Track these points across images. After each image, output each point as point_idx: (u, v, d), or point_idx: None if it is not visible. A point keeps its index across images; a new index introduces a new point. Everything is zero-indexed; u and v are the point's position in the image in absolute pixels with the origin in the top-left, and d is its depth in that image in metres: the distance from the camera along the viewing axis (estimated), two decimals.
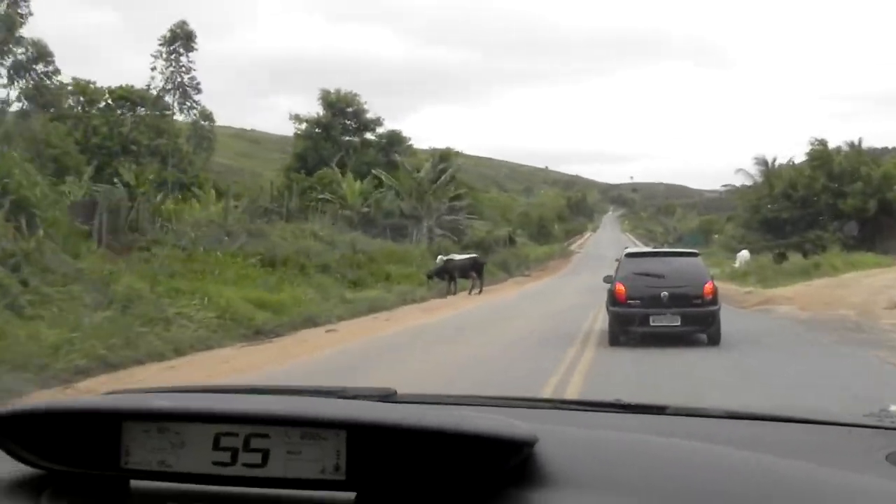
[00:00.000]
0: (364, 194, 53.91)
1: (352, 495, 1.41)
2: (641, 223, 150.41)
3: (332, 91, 61.65)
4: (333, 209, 54.26)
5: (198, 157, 60.12)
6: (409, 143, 62.83)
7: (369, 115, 62.44)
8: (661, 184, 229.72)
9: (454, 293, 35.17)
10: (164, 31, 55.82)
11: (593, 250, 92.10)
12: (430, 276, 35.28)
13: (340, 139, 61.40)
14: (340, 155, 60.03)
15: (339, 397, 1.84)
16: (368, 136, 63.18)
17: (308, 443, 1.40)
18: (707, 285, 16.20)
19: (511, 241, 63.67)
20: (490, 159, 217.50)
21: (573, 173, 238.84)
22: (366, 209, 53.26)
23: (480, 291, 36.25)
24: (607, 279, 17.42)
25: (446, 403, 2.03)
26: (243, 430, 1.41)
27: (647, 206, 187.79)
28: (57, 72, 50.24)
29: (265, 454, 1.41)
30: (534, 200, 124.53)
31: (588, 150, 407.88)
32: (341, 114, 61.65)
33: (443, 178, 54.28)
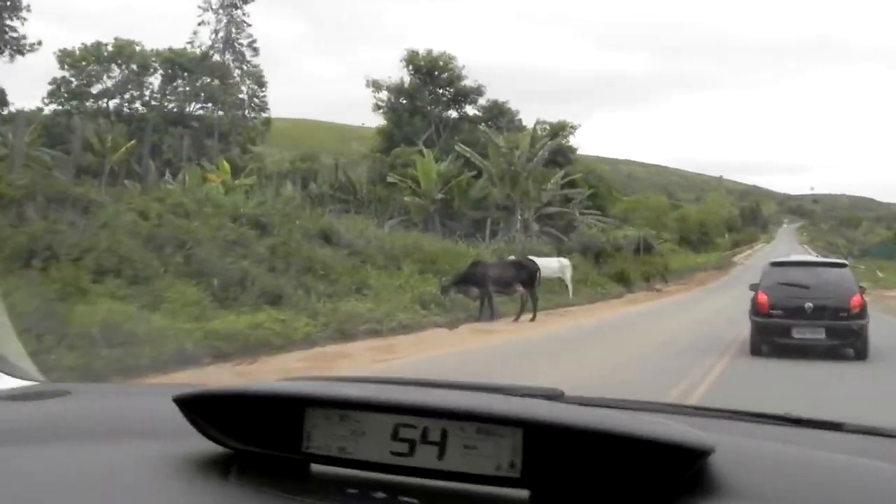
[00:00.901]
0: (444, 178, 39.53)
1: (525, 493, 1.36)
2: (822, 235, 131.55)
3: (419, 52, 47.38)
4: (404, 197, 40.38)
5: (254, 130, 47.25)
6: (517, 116, 47.74)
7: (467, 83, 47.88)
8: (845, 195, 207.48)
9: (492, 318, 20.36)
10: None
11: (761, 262, 74.52)
12: (444, 291, 20.48)
13: (431, 112, 47.20)
14: (429, 132, 45.92)
15: (509, 395, 1.68)
16: (470, 109, 48.80)
17: (484, 438, 1.35)
18: (855, 298, 14.86)
19: (647, 246, 47.74)
20: (662, 167, 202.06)
21: (750, 183, 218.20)
22: (440, 196, 38.81)
23: (534, 317, 21.07)
24: (753, 287, 15.73)
25: (616, 407, 1.84)
26: (422, 422, 1.38)
27: (829, 218, 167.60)
28: (19, 6, 37.83)
29: (442, 447, 1.37)
30: (701, 207, 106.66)
31: (766, 159, 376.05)
32: (431, 80, 47.37)
33: (540, 154, 38.99)
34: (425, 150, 40.87)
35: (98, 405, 1.95)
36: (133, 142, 35.48)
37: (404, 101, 47.04)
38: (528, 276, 21.20)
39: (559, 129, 44.71)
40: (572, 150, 45.98)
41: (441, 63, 47.19)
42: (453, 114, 47.86)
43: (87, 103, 46.70)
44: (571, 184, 43.05)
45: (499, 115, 47.05)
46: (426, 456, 1.36)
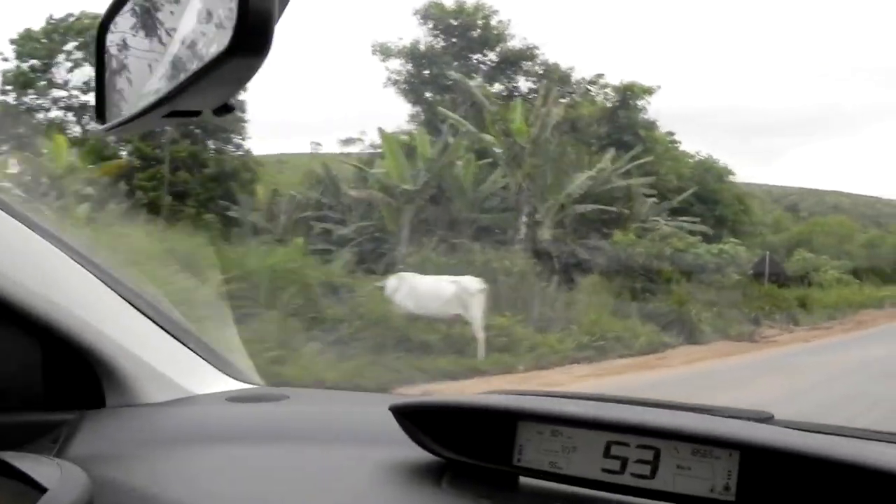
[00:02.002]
0: (430, 164, 24.81)
1: None
2: None
3: (445, 3, 32.50)
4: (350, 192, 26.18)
5: None
6: (584, 86, 31.72)
7: (513, 45, 32.65)
8: None
9: None
10: None
11: None
12: None
13: (460, 85, 32.33)
14: (460, 111, 31.05)
15: (718, 416, 1.52)
16: (524, 83, 33.50)
17: (699, 460, 1.29)
18: None
19: (776, 272, 30.89)
20: (874, 198, 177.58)
21: None
22: (408, 188, 24.04)
23: None
24: None
25: (832, 434, 1.57)
26: (634, 440, 1.33)
27: None
28: None
29: (654, 467, 1.31)
30: None
31: None
32: (464, 42, 32.50)
33: (554, 116, 23.28)
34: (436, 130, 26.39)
35: (315, 409, 1.98)
36: None
37: (427, 73, 32.36)
38: None
39: (626, 92, 28.71)
40: (649, 125, 29.63)
41: (476, 20, 32.29)
42: (500, 87, 32.67)
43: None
44: (649, 174, 27.17)
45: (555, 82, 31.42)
46: (637, 475, 1.31)
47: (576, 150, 25.49)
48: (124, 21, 0.97)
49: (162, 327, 1.85)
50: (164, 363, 1.84)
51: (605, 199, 25.35)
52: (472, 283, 13.82)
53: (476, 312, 13.27)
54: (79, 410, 1.73)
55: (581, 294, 18.38)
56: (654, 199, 29.82)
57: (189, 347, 1.90)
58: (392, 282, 13.71)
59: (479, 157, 25.56)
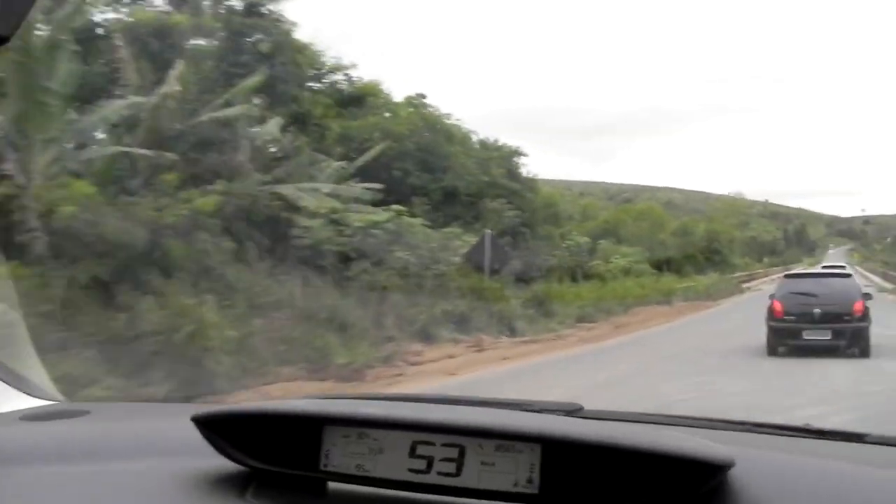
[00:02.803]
0: None
1: None
2: (874, 255, 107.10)
3: None
4: None
5: None
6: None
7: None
8: None
9: None
10: None
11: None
12: None
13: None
14: None
15: (527, 410, 1.62)
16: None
17: (502, 455, 1.28)
18: (857, 304, 15.88)
19: (500, 259, 21.43)
20: (704, 193, 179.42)
21: (796, 206, 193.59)
22: None
23: None
24: (771, 297, 16.69)
25: (636, 421, 1.71)
26: (439, 439, 1.31)
27: (882, 238, 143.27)
28: None
29: (459, 464, 1.30)
30: (711, 219, 78.24)
31: (814, 183, 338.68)
32: None
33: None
34: None
35: (117, 424, 1.84)
36: None
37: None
38: None
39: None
40: (288, 43, 19.38)
41: None
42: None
43: None
44: (298, 118, 17.27)
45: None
46: (444, 473, 1.29)
47: (138, 68, 15.36)
48: None
49: None
50: None
51: (191, 144, 15.26)
52: None
53: None
54: None
55: None
56: (341, 163, 20.48)
57: None
58: None
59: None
